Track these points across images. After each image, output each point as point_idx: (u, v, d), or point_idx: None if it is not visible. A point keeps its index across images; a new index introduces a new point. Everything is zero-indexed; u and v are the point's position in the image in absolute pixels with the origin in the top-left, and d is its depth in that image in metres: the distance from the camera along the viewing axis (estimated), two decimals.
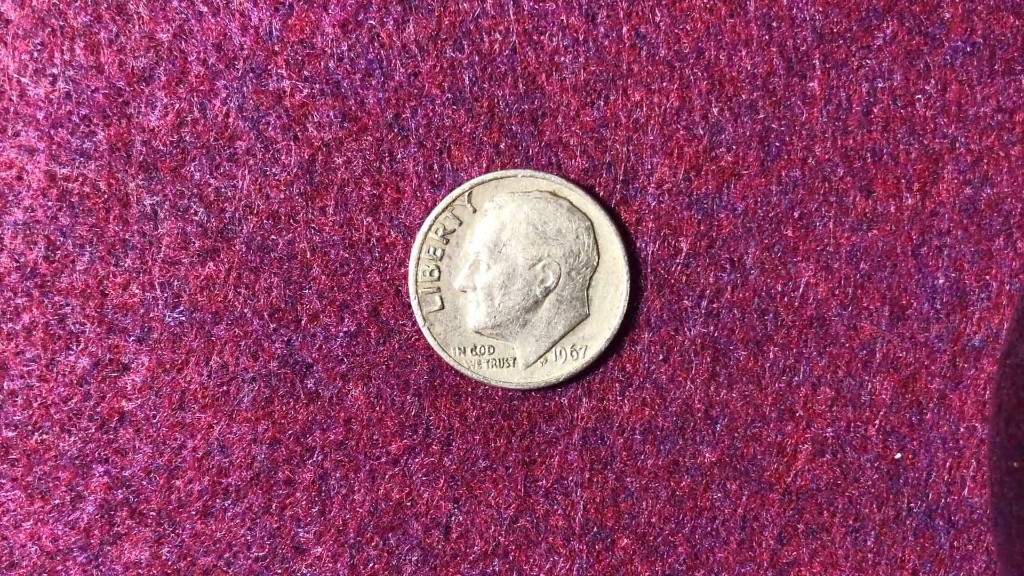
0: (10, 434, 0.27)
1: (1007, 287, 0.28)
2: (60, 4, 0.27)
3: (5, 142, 0.27)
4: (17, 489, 0.27)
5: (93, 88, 0.27)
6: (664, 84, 0.27)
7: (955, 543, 0.28)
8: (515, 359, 0.27)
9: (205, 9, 0.27)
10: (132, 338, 0.27)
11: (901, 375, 0.28)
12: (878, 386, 0.28)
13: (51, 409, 0.27)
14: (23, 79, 0.27)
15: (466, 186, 0.27)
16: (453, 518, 0.28)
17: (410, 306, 0.27)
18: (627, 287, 0.27)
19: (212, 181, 0.27)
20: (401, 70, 0.27)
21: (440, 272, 0.27)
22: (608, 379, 0.28)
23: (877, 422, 0.28)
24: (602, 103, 0.27)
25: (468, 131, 0.27)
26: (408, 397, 0.27)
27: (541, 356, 0.27)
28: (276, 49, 0.27)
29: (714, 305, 0.28)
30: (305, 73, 0.27)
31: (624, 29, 0.27)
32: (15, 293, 0.27)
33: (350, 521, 0.28)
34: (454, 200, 0.27)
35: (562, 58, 0.27)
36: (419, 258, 0.27)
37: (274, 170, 0.27)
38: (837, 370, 0.28)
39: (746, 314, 0.28)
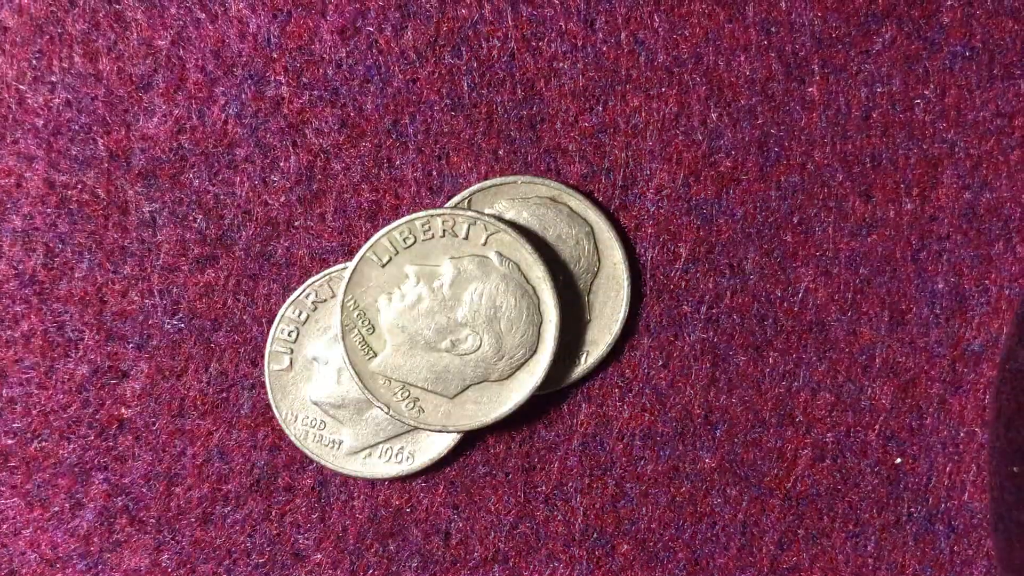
0: (9, 441, 0.27)
1: (1006, 292, 0.28)
2: (58, 11, 0.27)
3: (4, 149, 0.27)
4: (16, 496, 0.27)
5: (92, 95, 0.27)
6: (663, 90, 0.27)
7: (955, 548, 0.28)
8: None
9: (203, 16, 0.27)
10: (131, 345, 0.27)
11: (901, 380, 0.28)
12: (878, 391, 0.28)
13: (50, 416, 0.27)
14: (22, 87, 0.27)
15: (465, 193, 0.27)
16: (453, 524, 0.28)
17: None
18: (628, 293, 0.27)
19: (211, 188, 0.27)
20: (399, 76, 0.27)
21: None
22: (608, 385, 0.28)
23: (877, 427, 0.28)
24: (601, 109, 0.27)
25: (467, 137, 0.27)
26: None
27: None
28: (274, 56, 0.27)
29: (714, 310, 0.28)
30: (303, 80, 0.27)
31: (623, 35, 0.27)
32: (14, 300, 0.27)
33: (350, 527, 0.28)
34: (455, 206, 0.27)
35: (561, 64, 0.27)
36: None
37: (273, 177, 0.27)
38: (837, 375, 0.28)
39: (746, 319, 0.28)
